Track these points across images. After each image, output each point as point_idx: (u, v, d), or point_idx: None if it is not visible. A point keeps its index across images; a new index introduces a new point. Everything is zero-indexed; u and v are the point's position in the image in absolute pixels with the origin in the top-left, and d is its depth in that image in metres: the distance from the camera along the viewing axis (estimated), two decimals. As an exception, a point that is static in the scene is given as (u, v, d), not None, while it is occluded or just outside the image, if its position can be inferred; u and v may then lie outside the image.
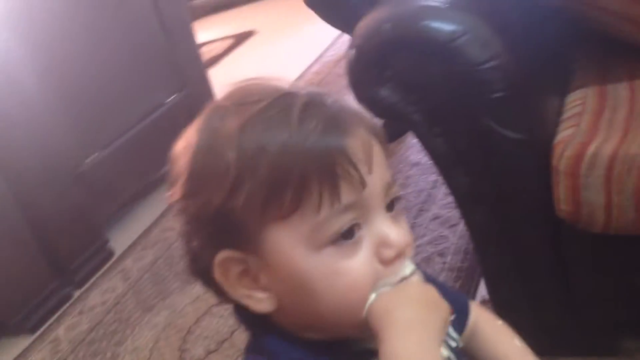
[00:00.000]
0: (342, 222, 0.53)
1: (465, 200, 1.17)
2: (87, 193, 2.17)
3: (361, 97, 1.20)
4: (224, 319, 1.78)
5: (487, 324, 0.72)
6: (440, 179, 1.60)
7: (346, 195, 0.53)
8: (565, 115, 1.12)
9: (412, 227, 1.83)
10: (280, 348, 0.58)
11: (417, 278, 0.57)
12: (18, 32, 1.94)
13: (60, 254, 2.09)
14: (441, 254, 1.64)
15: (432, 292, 0.57)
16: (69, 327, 1.95)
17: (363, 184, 0.53)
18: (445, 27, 1.05)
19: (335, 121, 0.55)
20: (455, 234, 1.71)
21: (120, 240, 2.31)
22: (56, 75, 2.07)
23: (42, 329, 1.97)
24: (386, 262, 0.55)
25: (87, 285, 2.13)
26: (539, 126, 1.09)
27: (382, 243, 0.55)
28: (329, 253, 0.53)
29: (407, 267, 0.57)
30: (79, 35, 2.15)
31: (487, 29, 1.07)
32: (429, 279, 0.70)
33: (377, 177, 0.55)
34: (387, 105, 1.16)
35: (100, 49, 2.23)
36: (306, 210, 0.53)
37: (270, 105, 0.55)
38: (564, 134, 1.06)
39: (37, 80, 1.99)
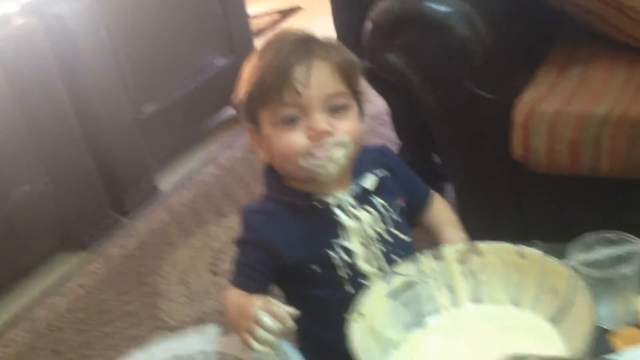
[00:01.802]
0: (286, 112, 0.88)
1: (447, 147, 1.47)
2: (142, 136, 2.52)
3: (374, 60, 1.50)
4: (250, 245, 2.12)
5: (437, 204, 1.05)
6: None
7: (287, 97, 0.87)
8: (532, 82, 1.42)
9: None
10: (271, 189, 0.95)
11: None
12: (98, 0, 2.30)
13: (116, 185, 2.44)
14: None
15: None
16: (120, 245, 2.30)
17: (297, 92, 0.87)
18: (441, 8, 1.36)
19: (298, 51, 0.88)
20: (449, 187, 2.01)
21: (166, 180, 2.65)
22: (125, 36, 2.42)
23: (96, 246, 2.31)
24: (311, 139, 0.88)
25: (135, 215, 2.47)
26: (508, 89, 1.38)
27: (309, 127, 0.88)
28: (280, 128, 0.89)
29: (327, 144, 0.87)
30: (146, 2, 2.50)
31: (475, 11, 1.37)
32: (402, 167, 1.01)
33: (314, 89, 0.87)
34: (394, 68, 1.46)
35: (162, 15, 2.57)
36: (269, 101, 0.88)
37: (273, 41, 0.92)
38: (525, 97, 1.36)
39: (111, 41, 2.35)
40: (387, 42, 1.47)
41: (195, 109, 2.78)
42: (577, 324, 0.69)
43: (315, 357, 0.88)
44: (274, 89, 0.88)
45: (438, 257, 0.84)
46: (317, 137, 0.87)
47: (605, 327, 0.76)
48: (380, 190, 0.95)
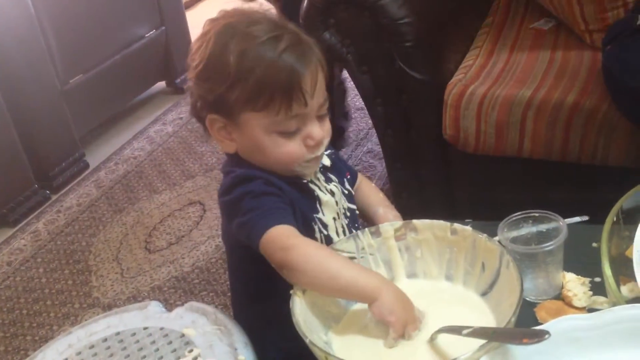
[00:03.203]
0: (289, 125, 0.86)
1: (381, 125, 1.52)
2: (69, 109, 2.45)
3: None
4: (184, 220, 2.12)
5: (366, 185, 1.07)
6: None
7: (295, 109, 0.85)
8: (461, 65, 1.47)
9: (350, 157, 2.20)
10: (248, 168, 0.91)
11: None
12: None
13: (42, 160, 2.38)
14: (369, 178, 2.00)
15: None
16: (47, 222, 2.25)
17: (306, 104, 0.85)
18: (375, -11, 1.38)
19: (302, 58, 0.86)
20: (382, 165, 2.07)
21: (95, 155, 2.60)
22: (50, 4, 2.35)
23: (23, 223, 2.26)
24: (308, 147, 0.88)
25: (63, 191, 2.42)
26: (439, 71, 1.44)
27: (308, 136, 0.88)
28: (277, 136, 0.86)
29: (320, 150, 0.90)
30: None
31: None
32: (336, 156, 1.04)
33: (316, 100, 0.87)
34: (329, 46, 1.48)
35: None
36: (270, 111, 0.85)
37: (267, 38, 0.85)
38: (455, 78, 1.41)
39: (35, 9, 2.27)
40: (323, 21, 1.49)
41: (125, 81, 2.73)
42: (505, 297, 0.74)
43: (261, 334, 0.90)
44: (280, 98, 0.83)
45: (376, 234, 0.88)
46: (316, 146, 0.88)
47: (531, 300, 0.82)
48: (332, 167, 0.97)
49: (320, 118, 0.89)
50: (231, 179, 0.89)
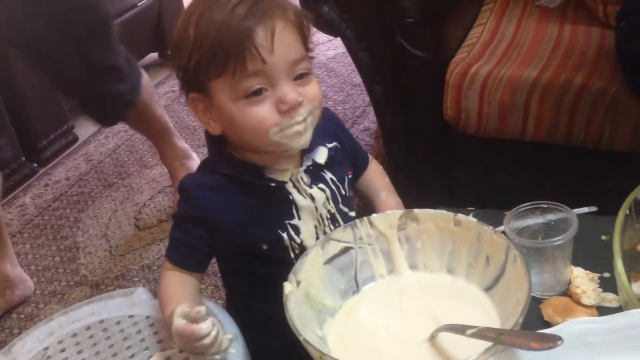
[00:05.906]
0: (249, 84, 0.80)
1: (380, 104, 1.46)
2: (58, 80, 2.38)
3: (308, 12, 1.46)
4: (175, 197, 2.07)
5: (373, 167, 1.02)
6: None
7: (251, 66, 0.79)
8: (464, 43, 1.42)
9: (344, 136, 2.14)
10: (219, 163, 0.88)
11: None
12: None
13: (30, 132, 2.32)
14: (364, 158, 1.95)
15: None
16: (35, 196, 2.20)
17: (262, 60, 0.79)
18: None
19: (255, 12, 0.80)
20: (378, 144, 2.02)
21: (84, 128, 2.53)
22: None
23: (10, 196, 2.20)
24: (282, 112, 0.82)
25: (52, 164, 2.36)
26: (441, 49, 1.38)
27: (280, 100, 0.82)
28: (243, 103, 0.81)
29: (300, 116, 0.83)
30: None
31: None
32: (347, 133, 0.98)
33: (279, 56, 0.79)
34: (328, 20, 1.42)
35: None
36: (227, 73, 0.80)
37: (225, 0, 0.81)
38: (458, 57, 1.36)
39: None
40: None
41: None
42: (511, 294, 0.70)
43: (254, 327, 0.86)
44: (234, 57, 0.78)
45: (374, 223, 0.83)
46: (290, 110, 0.81)
47: (537, 295, 0.78)
48: (330, 163, 0.91)
49: (299, 79, 0.83)
50: (179, 189, 0.89)
